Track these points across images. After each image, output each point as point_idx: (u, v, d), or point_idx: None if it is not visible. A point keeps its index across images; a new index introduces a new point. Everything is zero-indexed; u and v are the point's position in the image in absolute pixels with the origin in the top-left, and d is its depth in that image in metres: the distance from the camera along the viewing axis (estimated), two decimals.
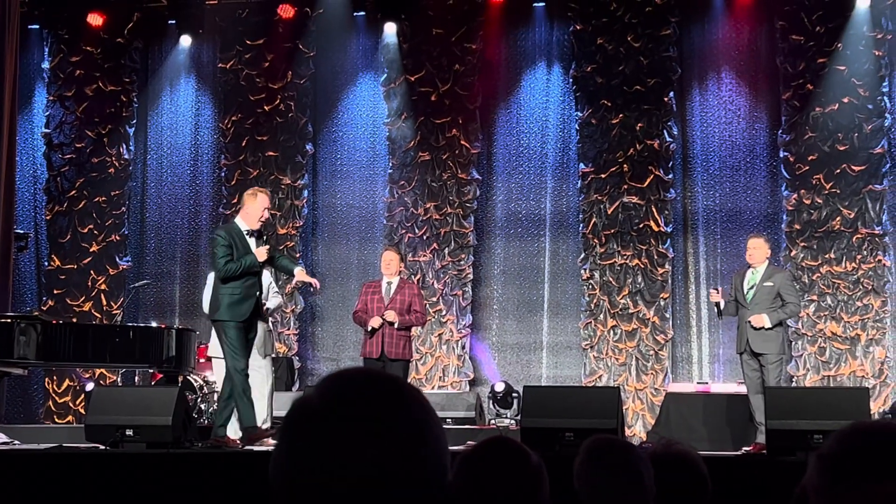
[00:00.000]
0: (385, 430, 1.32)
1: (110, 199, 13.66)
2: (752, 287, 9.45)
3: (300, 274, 8.90)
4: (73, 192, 13.68)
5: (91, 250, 13.60)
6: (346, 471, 1.29)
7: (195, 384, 11.39)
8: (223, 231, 8.73)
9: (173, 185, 14.01)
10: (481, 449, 2.43)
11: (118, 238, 13.65)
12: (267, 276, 10.09)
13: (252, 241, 8.64)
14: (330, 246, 13.68)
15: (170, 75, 14.12)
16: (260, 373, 9.41)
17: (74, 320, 12.38)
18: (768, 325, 9.24)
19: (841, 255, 12.18)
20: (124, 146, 13.77)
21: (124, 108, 13.84)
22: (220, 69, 13.83)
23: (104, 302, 13.48)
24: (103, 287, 13.52)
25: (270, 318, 10.45)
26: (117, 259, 13.61)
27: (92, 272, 13.54)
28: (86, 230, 13.61)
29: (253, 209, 8.71)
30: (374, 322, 9.65)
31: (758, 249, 9.59)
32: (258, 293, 8.64)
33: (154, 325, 11.47)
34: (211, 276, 9.86)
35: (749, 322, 9.25)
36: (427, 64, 13.35)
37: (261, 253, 8.60)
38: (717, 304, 9.65)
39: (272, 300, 9.85)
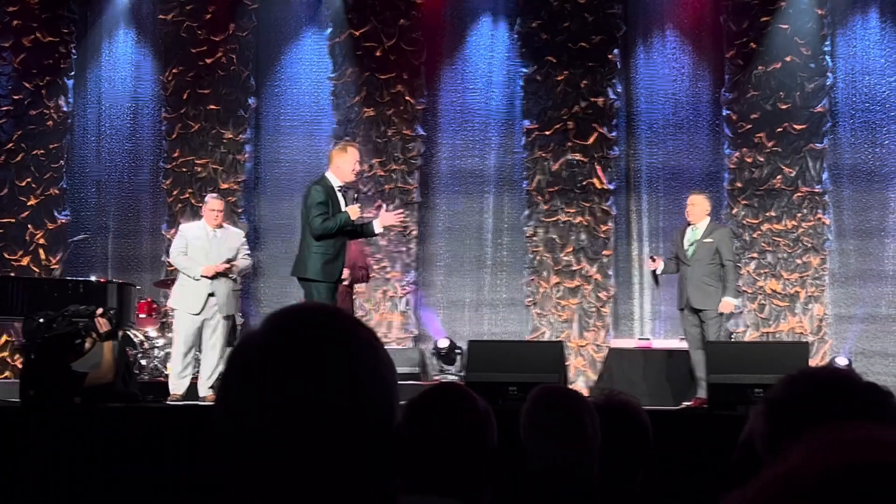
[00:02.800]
0: (329, 370, 1.26)
1: (49, 152, 13.43)
2: (692, 244, 9.52)
3: (380, 222, 8.68)
4: (11, 144, 13.41)
5: (29, 204, 13.38)
6: (287, 411, 1.24)
7: (136, 339, 11.30)
8: (320, 187, 8.54)
9: (113, 138, 13.79)
10: (428, 394, 2.42)
11: (57, 192, 13.44)
12: (240, 235, 10.01)
13: (341, 198, 8.52)
14: (273, 202, 13.57)
15: (109, 26, 13.86)
16: (217, 331, 9.37)
17: (12, 274, 12.21)
18: (735, 305, 9.56)
19: (781, 213, 12.30)
20: (63, 98, 13.53)
21: (62, 59, 13.58)
22: (160, 21, 13.60)
23: (43, 256, 13.29)
24: (41, 241, 13.32)
25: (238, 279, 10.36)
26: (56, 213, 13.41)
27: (30, 226, 13.33)
28: (24, 183, 13.37)
29: (344, 164, 8.56)
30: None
31: (696, 206, 9.65)
32: (347, 233, 8.57)
33: (94, 279, 11.34)
34: (182, 228, 9.87)
35: (720, 311, 9.39)
36: (372, 18, 13.23)
37: (353, 211, 8.45)
38: (654, 272, 9.71)
39: (242, 261, 9.76)
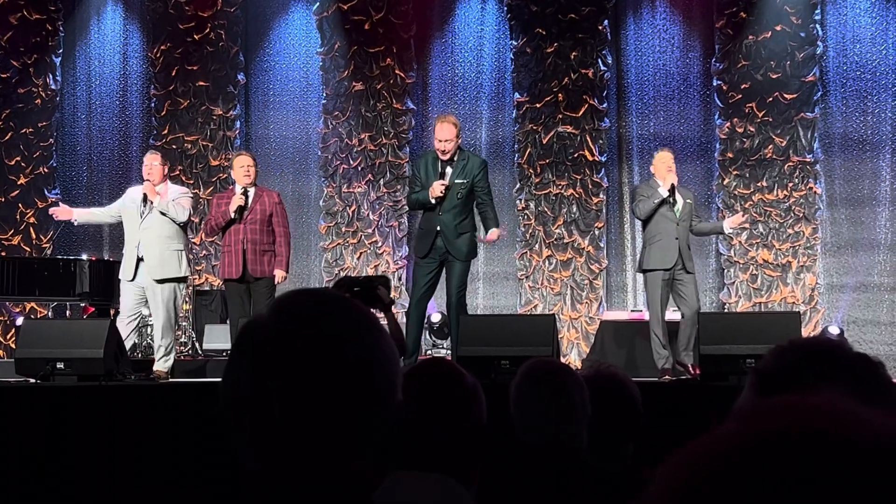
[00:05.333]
0: (334, 351, 1.33)
1: (38, 131, 13.37)
2: (675, 203, 9.18)
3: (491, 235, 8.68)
4: None
5: (19, 183, 13.33)
6: (295, 392, 1.31)
7: None
8: (420, 159, 8.73)
9: (102, 115, 13.74)
10: (415, 371, 2.41)
11: (46, 170, 13.39)
12: (180, 189, 9.48)
13: (449, 171, 8.45)
14: (263, 178, 13.36)
15: (97, 3, 13.78)
16: (156, 299, 8.96)
17: (3, 254, 12.18)
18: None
19: (773, 183, 12.29)
20: (51, 76, 13.46)
21: (50, 37, 13.50)
22: None
23: (33, 235, 13.25)
24: (32, 220, 13.28)
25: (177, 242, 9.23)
26: (46, 192, 13.36)
27: (20, 205, 13.29)
28: (13, 162, 13.32)
29: (434, 141, 8.60)
30: (238, 200, 8.90)
31: (674, 163, 9.42)
32: (439, 228, 8.44)
33: (85, 257, 11.31)
34: (127, 190, 9.55)
35: (730, 226, 9.76)
36: None
37: (434, 189, 8.36)
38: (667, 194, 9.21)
39: (181, 200, 9.12)
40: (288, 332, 1.34)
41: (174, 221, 9.07)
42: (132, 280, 8.99)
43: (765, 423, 0.77)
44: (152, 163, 9.17)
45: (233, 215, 8.92)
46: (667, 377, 8.86)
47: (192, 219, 9.72)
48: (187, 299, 12.51)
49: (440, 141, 8.50)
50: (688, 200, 9.32)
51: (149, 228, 9.01)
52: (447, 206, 8.51)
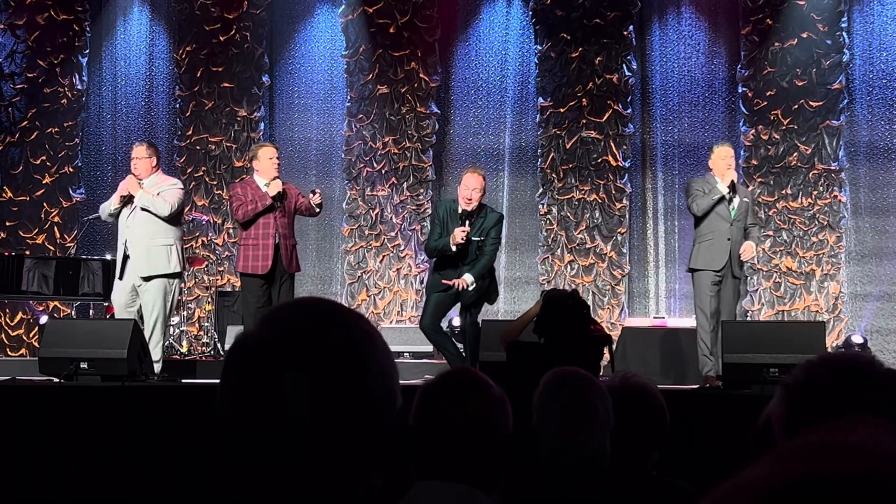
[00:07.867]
0: (325, 361, 1.29)
1: (63, 131, 13.43)
2: (732, 201, 8.85)
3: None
4: (25, 122, 13.42)
5: (44, 182, 13.39)
6: (288, 405, 1.27)
7: None
8: (439, 206, 8.69)
9: (128, 116, 13.79)
10: (443, 381, 2.40)
11: (71, 170, 13.45)
12: (170, 181, 9.12)
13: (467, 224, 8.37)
14: (287, 179, 13.25)
15: (123, 4, 13.83)
16: (146, 296, 8.69)
17: (27, 253, 12.23)
18: (754, 254, 9.02)
19: (797, 190, 12.24)
20: (77, 76, 13.52)
21: (77, 37, 13.57)
22: None
23: (58, 234, 13.31)
24: (56, 219, 13.34)
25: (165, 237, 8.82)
26: (71, 191, 13.42)
27: (45, 204, 13.34)
28: (38, 161, 13.38)
29: (460, 189, 8.47)
30: (277, 186, 8.62)
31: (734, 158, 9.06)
32: (457, 258, 8.37)
33: (109, 257, 11.35)
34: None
35: (739, 256, 8.71)
36: None
37: (455, 235, 8.23)
38: (732, 188, 8.78)
39: (166, 195, 8.71)
40: (277, 344, 1.30)
41: (157, 216, 8.73)
42: (121, 279, 8.77)
43: (797, 466, 0.76)
44: (137, 156, 8.83)
45: (272, 200, 8.65)
46: (709, 384, 8.61)
47: (183, 213, 9.40)
48: (209, 300, 12.56)
49: (467, 188, 8.36)
50: (744, 199, 8.93)
51: (134, 224, 8.75)
52: (465, 261, 8.43)
